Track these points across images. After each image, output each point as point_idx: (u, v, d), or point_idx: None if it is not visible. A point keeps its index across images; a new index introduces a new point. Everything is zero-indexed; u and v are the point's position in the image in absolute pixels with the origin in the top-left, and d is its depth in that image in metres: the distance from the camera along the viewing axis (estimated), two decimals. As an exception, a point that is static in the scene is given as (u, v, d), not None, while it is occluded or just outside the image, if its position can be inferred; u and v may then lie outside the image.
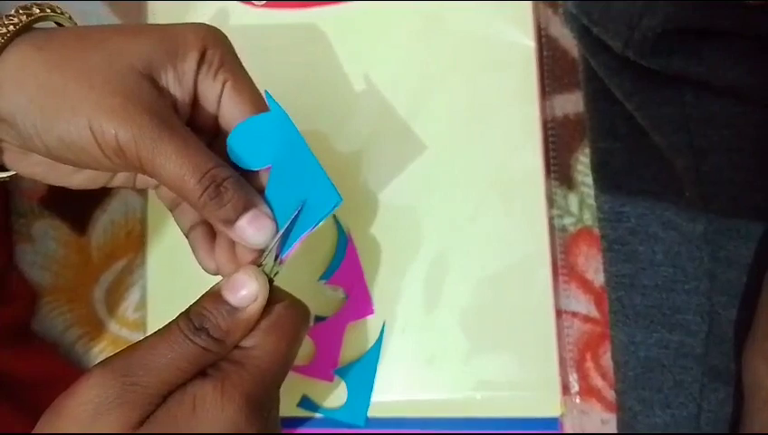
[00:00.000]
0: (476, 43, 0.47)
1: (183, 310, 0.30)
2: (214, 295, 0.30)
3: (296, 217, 0.32)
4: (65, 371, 0.47)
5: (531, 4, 0.47)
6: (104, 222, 0.48)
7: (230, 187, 0.30)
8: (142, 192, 0.48)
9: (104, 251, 0.48)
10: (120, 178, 0.36)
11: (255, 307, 0.29)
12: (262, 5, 0.48)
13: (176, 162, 0.29)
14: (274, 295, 0.30)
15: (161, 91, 0.31)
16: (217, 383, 0.28)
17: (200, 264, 0.34)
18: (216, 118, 0.33)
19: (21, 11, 0.31)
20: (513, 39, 0.47)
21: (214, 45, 0.32)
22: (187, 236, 0.35)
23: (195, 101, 0.33)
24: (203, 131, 0.34)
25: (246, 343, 0.30)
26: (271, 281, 0.31)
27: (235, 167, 0.33)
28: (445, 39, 0.47)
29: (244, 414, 0.28)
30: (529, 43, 0.47)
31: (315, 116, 0.47)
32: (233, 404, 0.27)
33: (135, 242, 0.48)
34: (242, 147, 0.32)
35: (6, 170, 0.34)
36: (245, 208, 0.31)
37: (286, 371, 0.31)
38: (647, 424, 0.43)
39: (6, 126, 0.31)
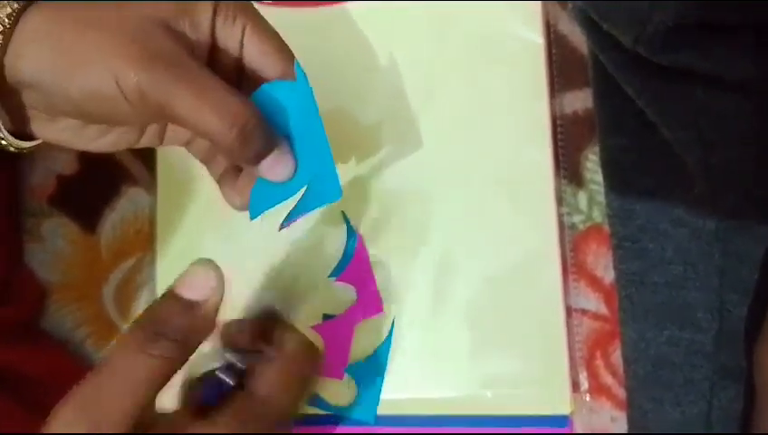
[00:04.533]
0: (485, 40, 0.47)
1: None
2: (167, 297, 0.29)
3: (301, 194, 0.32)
4: (74, 369, 0.47)
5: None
6: (113, 220, 0.48)
7: (254, 128, 0.30)
8: (152, 190, 0.48)
9: (113, 249, 0.48)
10: (148, 137, 0.35)
11: (215, 300, 0.29)
12: (270, 4, 0.47)
13: (198, 105, 0.29)
14: (284, 333, 0.30)
15: (177, 36, 0.31)
16: None
17: (228, 201, 0.35)
18: (237, 65, 0.33)
19: None
20: (522, 36, 0.47)
21: None
22: (218, 183, 0.36)
23: (215, 48, 0.33)
24: (226, 77, 0.33)
25: (262, 390, 0.29)
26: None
27: None
28: (453, 36, 0.47)
29: None
30: (538, 39, 0.47)
31: (323, 113, 0.47)
32: None
33: (144, 240, 0.48)
34: (261, 109, 0.32)
35: (32, 140, 0.34)
36: (268, 149, 0.31)
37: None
38: (657, 422, 0.43)
39: (32, 91, 0.31)
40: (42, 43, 0.30)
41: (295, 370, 0.31)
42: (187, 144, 0.36)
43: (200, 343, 0.29)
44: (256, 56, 0.33)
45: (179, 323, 0.28)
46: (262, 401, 0.29)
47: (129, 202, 0.48)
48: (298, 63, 0.33)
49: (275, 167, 0.32)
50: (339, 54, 0.48)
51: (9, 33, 0.29)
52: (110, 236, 0.48)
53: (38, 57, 0.30)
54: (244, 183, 0.34)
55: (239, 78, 0.34)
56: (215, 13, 0.32)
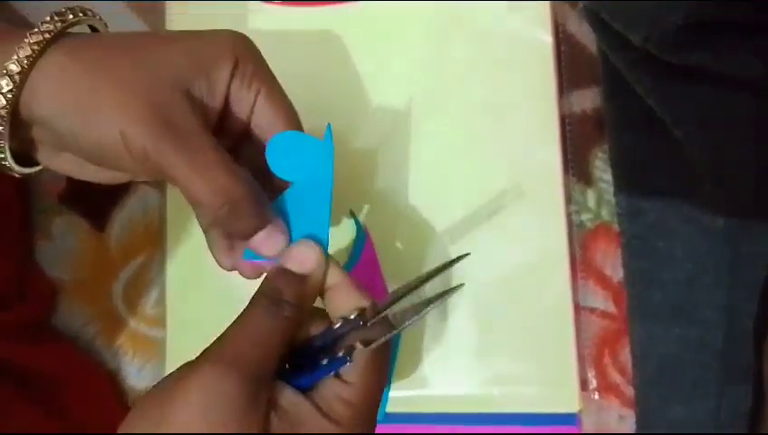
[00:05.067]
0: (494, 40, 0.47)
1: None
2: (279, 271, 0.31)
3: None
4: (84, 366, 0.47)
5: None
6: (123, 219, 0.48)
7: (245, 205, 0.31)
8: (162, 189, 0.48)
9: (123, 247, 0.48)
10: (147, 177, 0.36)
11: (320, 272, 0.32)
12: (280, 4, 0.48)
13: (192, 177, 0.30)
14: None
15: (191, 100, 0.31)
16: None
17: (217, 261, 0.35)
18: (246, 124, 0.34)
19: (56, 17, 0.31)
20: (531, 35, 0.47)
21: (245, 55, 0.33)
22: (205, 233, 0.36)
23: (227, 109, 0.33)
24: (232, 136, 0.34)
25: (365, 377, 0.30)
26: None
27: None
28: (462, 35, 0.47)
29: None
30: (547, 38, 0.47)
31: (332, 113, 0.47)
32: None
33: (154, 238, 0.48)
34: (282, 151, 0.33)
35: (36, 165, 0.34)
36: (259, 226, 0.32)
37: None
38: (665, 420, 0.43)
39: (43, 128, 0.32)
40: (56, 86, 0.30)
41: (386, 354, 0.32)
42: None
43: (310, 307, 0.32)
44: (264, 122, 0.34)
45: (294, 290, 0.31)
46: (368, 390, 0.31)
47: (138, 200, 0.49)
48: (330, 127, 0.33)
49: (264, 244, 0.33)
50: (347, 54, 0.48)
51: (26, 72, 0.30)
52: (120, 234, 0.48)
53: (54, 104, 0.30)
54: (239, 247, 0.35)
55: (244, 138, 0.35)
56: (232, 74, 0.32)
